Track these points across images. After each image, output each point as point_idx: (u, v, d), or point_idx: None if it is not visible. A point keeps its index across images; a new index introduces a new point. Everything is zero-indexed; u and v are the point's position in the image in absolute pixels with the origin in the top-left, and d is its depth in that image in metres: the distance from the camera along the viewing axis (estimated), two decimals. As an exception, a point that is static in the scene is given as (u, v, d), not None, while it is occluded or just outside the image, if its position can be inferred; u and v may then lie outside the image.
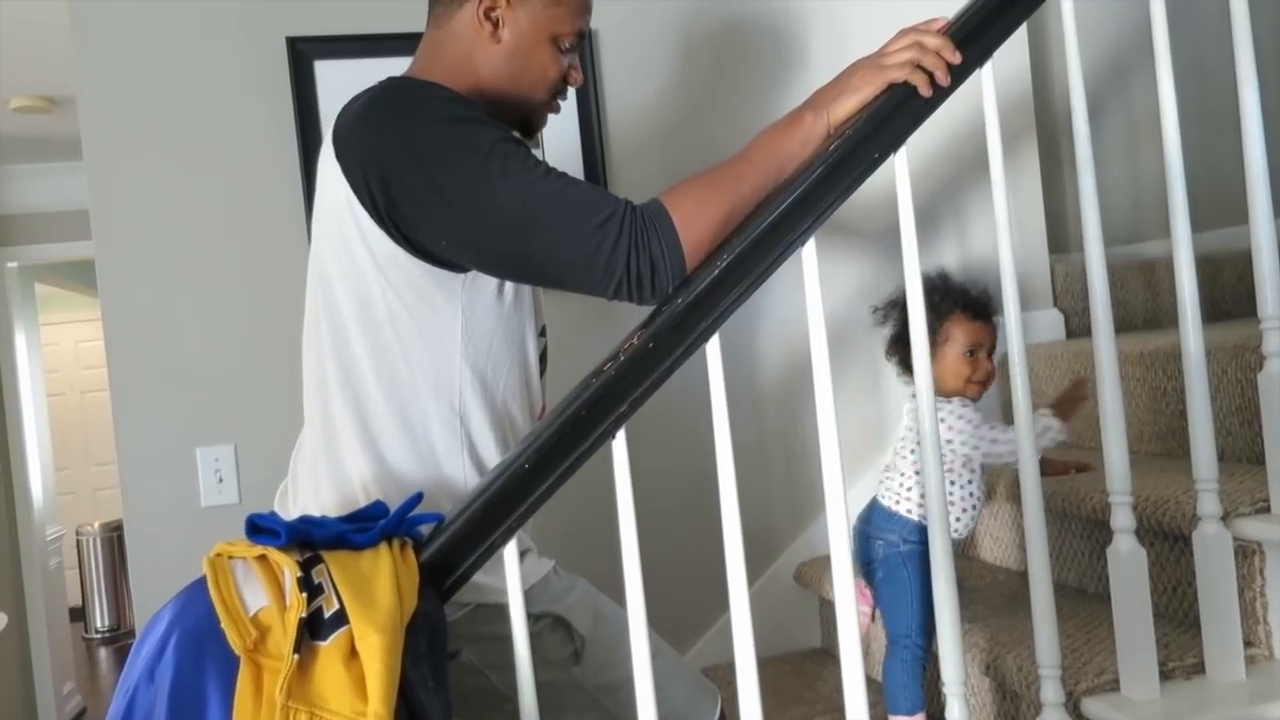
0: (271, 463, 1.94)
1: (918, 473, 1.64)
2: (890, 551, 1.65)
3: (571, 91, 1.28)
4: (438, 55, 1.21)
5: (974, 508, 1.66)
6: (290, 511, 1.18)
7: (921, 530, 1.60)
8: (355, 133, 1.11)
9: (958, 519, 1.64)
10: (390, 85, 1.14)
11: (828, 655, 2.13)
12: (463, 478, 1.16)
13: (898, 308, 1.70)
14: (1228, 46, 1.33)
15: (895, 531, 1.65)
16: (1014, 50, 2.28)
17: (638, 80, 2.15)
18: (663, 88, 2.17)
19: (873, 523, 1.69)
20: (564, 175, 1.10)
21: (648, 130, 2.16)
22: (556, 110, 1.27)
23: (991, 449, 1.63)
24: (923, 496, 1.56)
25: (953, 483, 1.64)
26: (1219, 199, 1.95)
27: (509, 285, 1.18)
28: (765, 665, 2.06)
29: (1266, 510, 1.35)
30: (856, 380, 2.23)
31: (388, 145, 1.09)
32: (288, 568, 0.92)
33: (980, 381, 1.67)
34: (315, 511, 1.16)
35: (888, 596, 1.64)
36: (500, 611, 1.06)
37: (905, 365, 1.69)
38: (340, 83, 1.98)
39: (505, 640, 1.05)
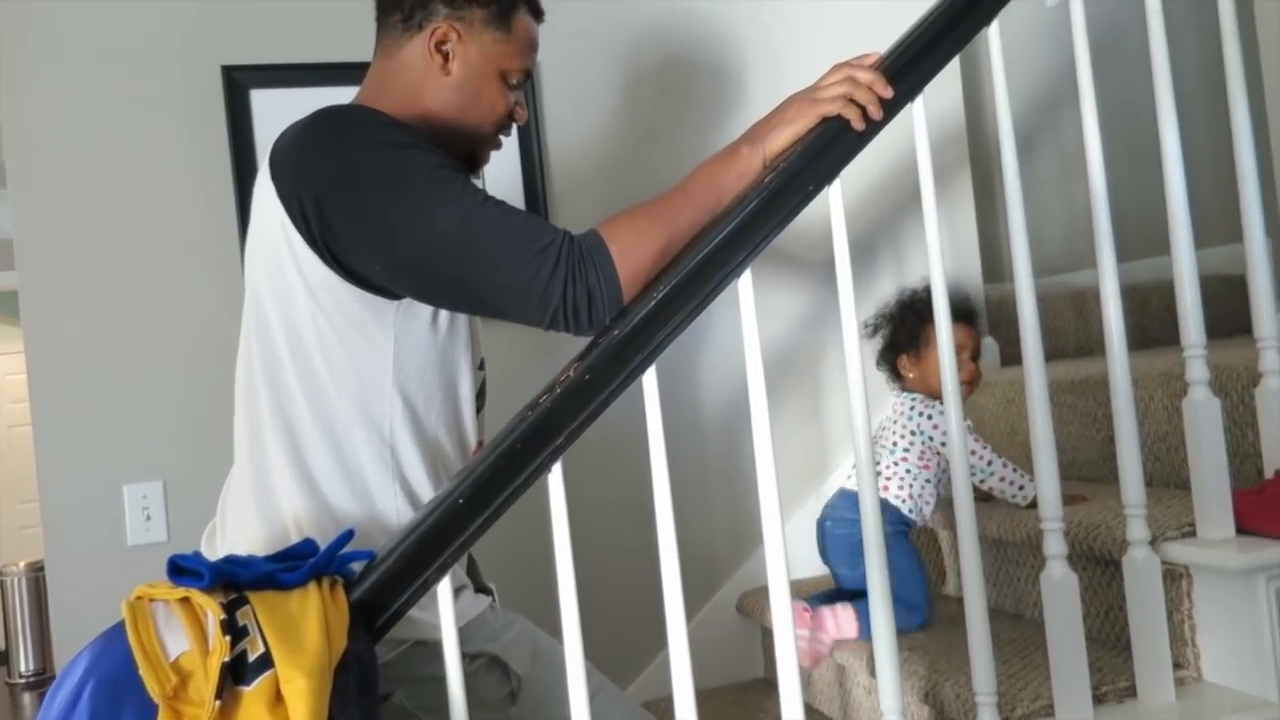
0: (201, 500, 1.89)
1: (896, 464, 1.80)
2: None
3: (514, 127, 1.29)
4: (385, 85, 1.21)
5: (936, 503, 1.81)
6: (218, 552, 1.15)
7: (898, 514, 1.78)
8: (292, 155, 1.10)
9: (923, 509, 1.79)
10: (330, 110, 1.13)
11: (770, 685, 2.12)
12: (394, 509, 1.14)
13: (889, 320, 1.85)
14: (1152, 84, 1.37)
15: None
16: (947, 86, 2.34)
17: (580, 115, 2.15)
18: (605, 122, 2.18)
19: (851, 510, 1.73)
20: (502, 203, 1.09)
21: (590, 164, 2.16)
22: (499, 146, 1.28)
23: (974, 460, 1.73)
24: (909, 491, 1.78)
25: (928, 480, 1.77)
26: (1147, 230, 2.01)
27: (443, 314, 1.16)
28: (708, 697, 2.07)
29: (1193, 534, 1.38)
30: (798, 408, 2.25)
31: (324, 167, 1.08)
32: (210, 610, 0.89)
33: (966, 382, 1.79)
34: (244, 551, 1.13)
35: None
36: (435, 650, 1.04)
37: (895, 373, 1.88)
38: (276, 112, 1.95)
39: (439, 681, 1.03)
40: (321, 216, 1.07)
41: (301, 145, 1.10)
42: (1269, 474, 1.40)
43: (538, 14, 1.25)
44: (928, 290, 1.76)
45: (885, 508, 1.73)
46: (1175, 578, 1.40)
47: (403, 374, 1.14)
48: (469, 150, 1.23)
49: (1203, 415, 1.35)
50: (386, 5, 1.21)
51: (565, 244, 1.07)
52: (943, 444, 1.76)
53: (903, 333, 1.85)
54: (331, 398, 1.12)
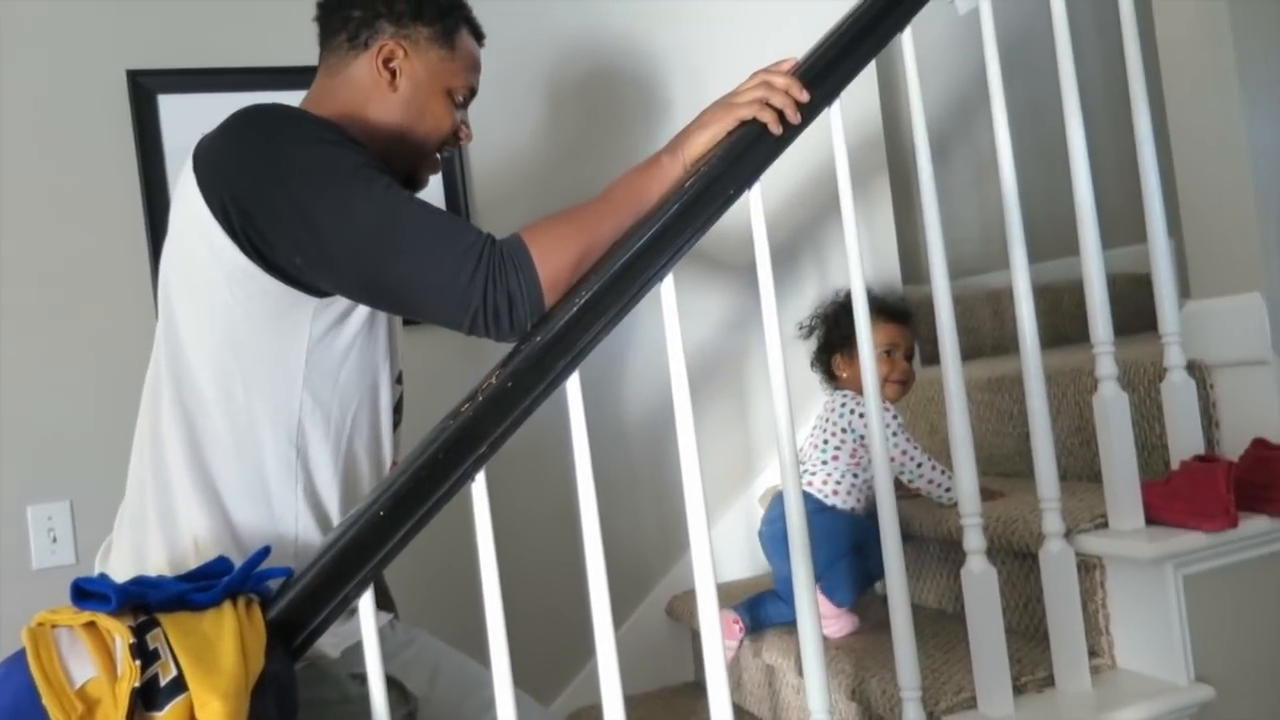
0: (111, 520, 1.84)
1: (826, 461, 1.80)
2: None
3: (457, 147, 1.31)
4: (328, 100, 1.22)
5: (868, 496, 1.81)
6: (112, 569, 1.12)
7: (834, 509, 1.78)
8: (215, 147, 1.10)
9: (854, 506, 1.78)
10: (256, 106, 1.13)
11: (701, 688, 2.13)
12: (294, 516, 1.12)
13: (824, 320, 1.87)
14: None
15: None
16: (864, 92, 2.38)
17: (503, 128, 2.13)
18: (529, 135, 2.17)
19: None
20: (426, 203, 1.09)
21: (514, 176, 2.14)
22: (438, 169, 1.30)
23: (901, 458, 1.74)
24: (843, 487, 1.78)
25: (856, 476, 1.78)
26: (1059, 231, 2.07)
27: (361, 316, 1.15)
28: (640, 702, 2.06)
29: (1105, 526, 1.43)
30: (724, 410, 2.26)
31: (248, 160, 1.08)
32: (119, 634, 0.86)
33: (899, 381, 1.81)
34: (136, 567, 1.09)
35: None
36: (324, 672, 1.01)
37: (829, 373, 1.89)
38: (186, 118, 1.90)
39: (327, 706, 1.01)
40: (243, 209, 1.06)
41: (226, 139, 1.10)
42: (1175, 465, 1.45)
43: (479, 35, 1.29)
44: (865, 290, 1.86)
45: (829, 508, 1.75)
46: (1089, 568, 1.44)
47: (315, 372, 1.12)
48: (410, 168, 1.25)
49: (1111, 410, 1.39)
50: (331, 26, 1.23)
51: (487, 246, 1.07)
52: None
53: (836, 333, 1.87)
54: (239, 394, 1.10)
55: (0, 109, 1.84)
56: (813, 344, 1.92)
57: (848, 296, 1.89)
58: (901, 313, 1.85)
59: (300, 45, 1.99)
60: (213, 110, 2.00)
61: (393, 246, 1.05)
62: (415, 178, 1.27)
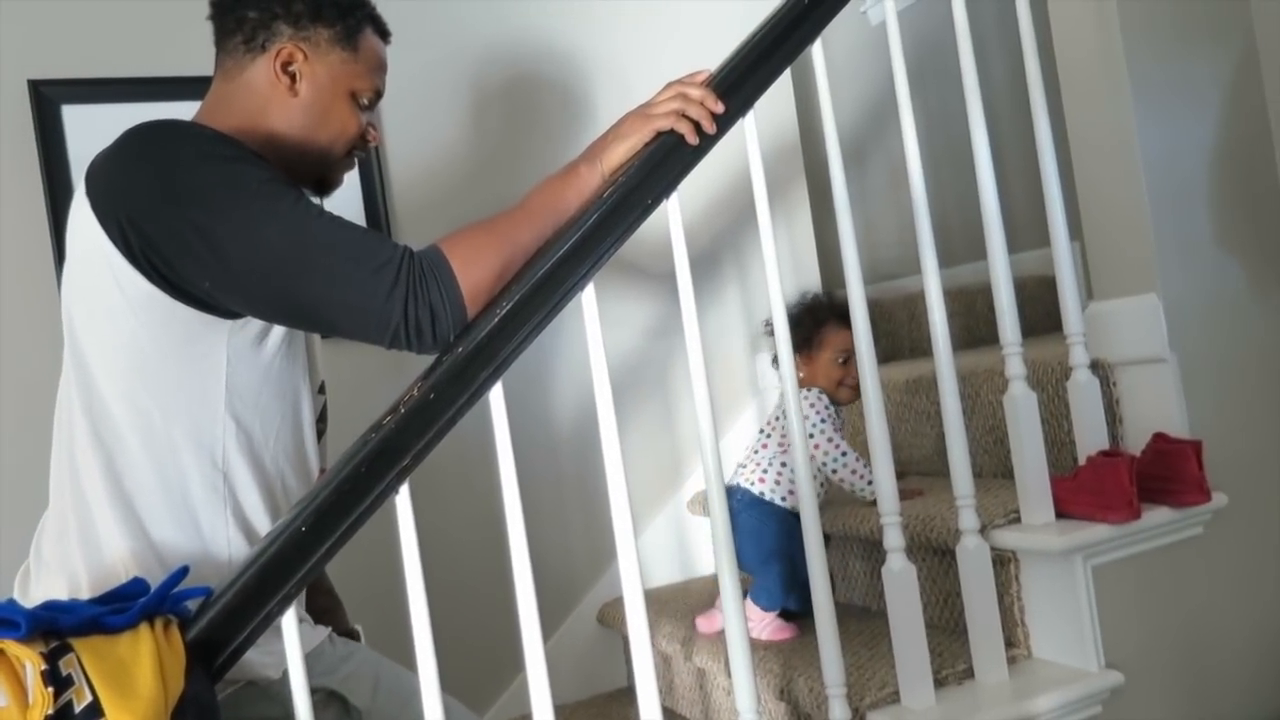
0: (17, 544, 1.77)
1: (759, 450, 1.85)
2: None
3: (368, 148, 1.27)
4: (225, 108, 1.17)
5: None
6: (32, 596, 1.08)
7: (760, 502, 1.81)
8: (107, 169, 1.05)
9: (788, 492, 1.80)
10: (146, 124, 1.07)
11: (633, 693, 2.14)
12: (226, 540, 1.09)
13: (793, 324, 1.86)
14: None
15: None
16: (780, 102, 2.42)
17: (424, 136, 2.12)
18: (449, 143, 2.16)
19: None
20: (338, 218, 1.07)
21: (435, 186, 2.13)
22: (352, 167, 1.25)
23: (826, 446, 1.77)
24: (769, 475, 1.81)
25: (785, 464, 1.80)
26: (972, 235, 2.13)
27: (279, 334, 1.12)
28: (573, 710, 2.06)
29: (1018, 520, 1.47)
30: (650, 417, 2.28)
31: (143, 182, 1.03)
32: (29, 661, 0.84)
33: (852, 386, 1.82)
34: (68, 592, 1.06)
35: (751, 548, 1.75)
36: (266, 690, 1.00)
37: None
38: (92, 128, 1.85)
39: None
40: (142, 233, 1.01)
41: (117, 161, 1.05)
42: (1082, 460, 1.51)
43: (384, 34, 1.24)
44: (829, 296, 1.96)
45: (758, 500, 1.79)
46: (1004, 562, 1.48)
47: (236, 395, 1.09)
48: (319, 173, 1.21)
49: (1021, 409, 1.44)
50: (226, 28, 1.17)
51: (405, 260, 1.05)
52: (811, 433, 1.81)
53: (797, 333, 1.89)
54: (156, 422, 1.07)
55: (-107, 121, 1.77)
56: (772, 345, 1.94)
57: (814, 299, 1.93)
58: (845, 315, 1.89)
59: (208, 55, 1.96)
60: (119, 121, 1.95)
61: (304, 267, 1.02)
62: (327, 180, 1.23)
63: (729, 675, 1.58)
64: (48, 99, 1.84)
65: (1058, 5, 1.60)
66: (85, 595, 1.03)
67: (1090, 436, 1.51)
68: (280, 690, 1.06)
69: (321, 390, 1.25)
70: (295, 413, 1.16)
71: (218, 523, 1.09)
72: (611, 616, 2.13)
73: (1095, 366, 1.54)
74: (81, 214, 1.06)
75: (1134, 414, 1.57)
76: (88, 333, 1.07)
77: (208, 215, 1.01)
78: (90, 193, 1.05)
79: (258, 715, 1.01)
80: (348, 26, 1.17)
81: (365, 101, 1.21)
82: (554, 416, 2.19)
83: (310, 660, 1.09)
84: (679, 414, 2.30)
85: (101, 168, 1.05)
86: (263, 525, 1.12)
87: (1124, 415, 1.58)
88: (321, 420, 1.23)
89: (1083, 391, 1.51)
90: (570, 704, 2.09)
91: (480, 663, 2.04)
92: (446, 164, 2.16)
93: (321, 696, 1.11)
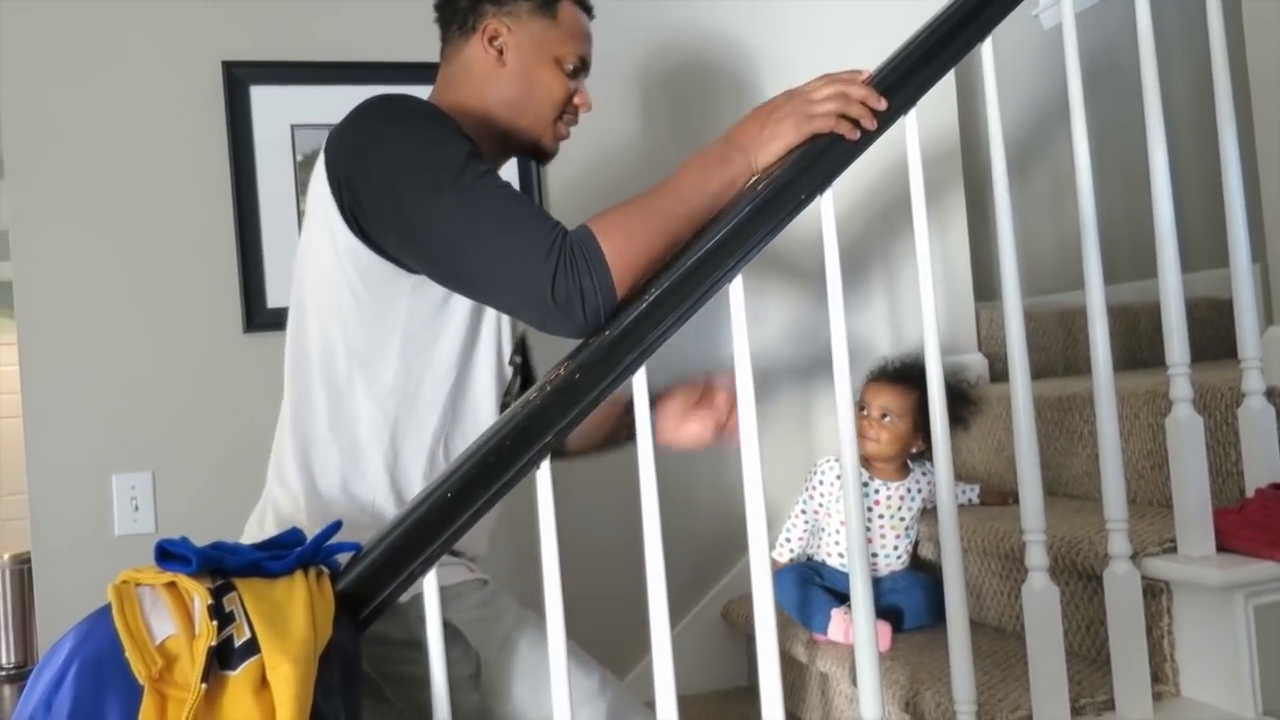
0: (190, 490, 1.91)
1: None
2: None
3: (579, 114, 1.36)
4: (447, 87, 1.31)
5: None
6: (266, 530, 1.20)
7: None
8: (340, 135, 1.18)
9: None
10: (380, 96, 1.21)
11: (754, 693, 2.12)
12: (375, 489, 1.20)
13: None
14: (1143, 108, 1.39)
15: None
16: (942, 104, 2.36)
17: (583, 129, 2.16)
18: (609, 135, 2.19)
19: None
20: (512, 196, 1.11)
21: (591, 181, 2.16)
22: (565, 135, 1.35)
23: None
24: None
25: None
26: (1138, 252, 2.03)
27: (464, 306, 1.22)
28: (692, 703, 2.07)
29: (1174, 550, 1.40)
30: (786, 420, 2.26)
31: (360, 144, 1.15)
32: (198, 595, 0.90)
33: (869, 439, 1.80)
34: (274, 526, 1.19)
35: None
36: (392, 613, 1.04)
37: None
38: (277, 109, 1.97)
39: (393, 645, 1.06)
40: (353, 189, 1.14)
41: (349, 128, 1.18)
42: (1250, 493, 1.41)
43: (586, 9, 1.35)
44: (887, 358, 1.89)
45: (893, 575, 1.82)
46: (1155, 593, 1.41)
47: (411, 347, 1.20)
48: (533, 140, 1.32)
49: (1185, 432, 1.36)
50: (445, 20, 1.33)
51: (560, 240, 1.08)
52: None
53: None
54: (341, 364, 1.20)
55: (100, 98, 1.93)
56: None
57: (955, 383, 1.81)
58: (897, 373, 1.82)
59: (389, 41, 2.05)
60: (303, 102, 2.07)
61: (469, 235, 1.09)
62: (541, 149, 1.34)
63: (853, 682, 1.56)
64: (238, 79, 1.97)
65: (1253, 4, 1.50)
66: (272, 532, 1.10)
67: (1261, 467, 1.41)
68: (406, 612, 1.11)
69: (520, 367, 1.35)
70: (469, 374, 1.25)
71: (377, 467, 1.20)
72: (736, 614, 2.12)
73: (1270, 394, 1.44)
74: (317, 176, 1.20)
75: (1311, 448, 1.46)
76: (304, 283, 1.23)
77: (401, 177, 1.11)
78: (325, 155, 1.19)
79: (380, 632, 1.06)
80: None
81: (570, 68, 1.30)
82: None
83: (446, 595, 1.10)
84: (815, 420, 2.27)
85: (335, 134, 1.19)
86: (415, 483, 1.18)
87: (1300, 448, 1.47)
88: (523, 388, 1.31)
89: (1255, 419, 1.42)
90: (691, 695, 2.10)
91: (604, 643, 2.05)
92: (601, 143, 2.18)
93: (448, 631, 1.14)
